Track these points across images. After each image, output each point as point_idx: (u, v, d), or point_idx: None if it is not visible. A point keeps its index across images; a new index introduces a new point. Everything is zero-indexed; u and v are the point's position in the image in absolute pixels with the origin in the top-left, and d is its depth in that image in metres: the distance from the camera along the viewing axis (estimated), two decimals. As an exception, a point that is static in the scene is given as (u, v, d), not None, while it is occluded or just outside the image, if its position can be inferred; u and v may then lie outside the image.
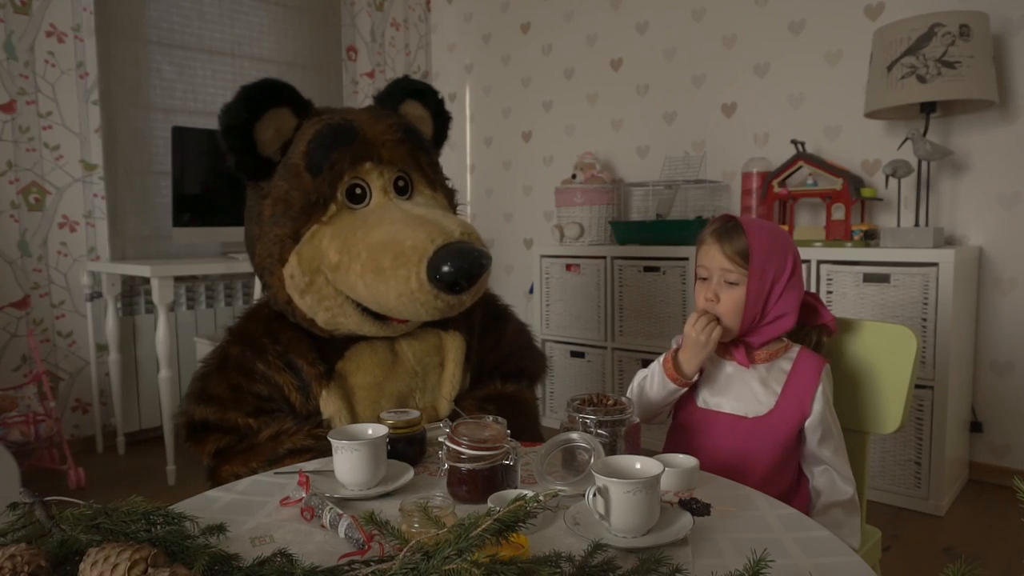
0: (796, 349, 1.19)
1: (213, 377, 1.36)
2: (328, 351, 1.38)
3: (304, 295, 1.34)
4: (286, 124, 1.36)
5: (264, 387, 1.34)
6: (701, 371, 1.22)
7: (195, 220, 2.85)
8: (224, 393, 1.34)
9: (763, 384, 1.17)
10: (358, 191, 1.37)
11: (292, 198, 1.33)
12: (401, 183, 1.43)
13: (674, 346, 1.29)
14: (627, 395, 1.24)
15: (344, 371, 1.37)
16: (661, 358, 1.22)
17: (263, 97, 1.32)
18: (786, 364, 1.18)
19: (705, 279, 1.19)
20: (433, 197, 1.47)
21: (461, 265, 1.25)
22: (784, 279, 1.15)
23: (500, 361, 1.54)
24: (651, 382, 1.22)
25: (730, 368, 1.20)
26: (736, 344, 1.19)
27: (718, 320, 1.15)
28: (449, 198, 1.53)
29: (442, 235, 1.27)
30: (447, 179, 1.54)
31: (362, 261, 1.28)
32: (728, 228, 1.16)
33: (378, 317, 1.35)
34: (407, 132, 1.44)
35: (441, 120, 1.60)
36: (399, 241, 1.27)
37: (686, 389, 1.20)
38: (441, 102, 1.59)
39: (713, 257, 1.16)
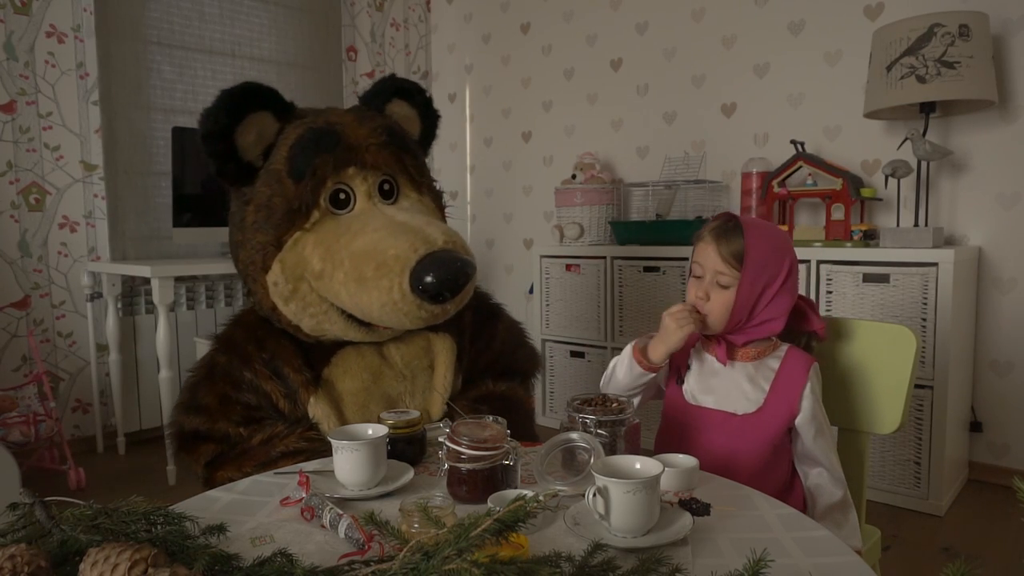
0: (784, 348, 1.20)
1: (201, 387, 1.35)
2: (315, 357, 1.37)
3: (288, 302, 1.32)
4: (268, 128, 1.34)
5: (252, 396, 1.33)
6: (690, 366, 1.23)
7: (195, 220, 2.85)
8: (213, 403, 1.33)
9: (751, 382, 1.17)
10: (342, 196, 1.35)
11: (274, 204, 1.31)
12: (387, 186, 1.41)
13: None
14: (602, 380, 1.25)
15: (331, 377, 1.36)
16: (633, 342, 1.23)
17: (244, 101, 1.29)
18: (774, 362, 1.18)
19: (699, 277, 1.19)
20: (419, 200, 1.45)
21: (445, 275, 1.24)
22: (776, 285, 1.15)
23: (492, 361, 1.53)
24: (621, 364, 1.23)
25: (718, 365, 1.20)
26: (718, 341, 1.19)
27: (703, 319, 1.16)
28: (436, 200, 1.51)
29: (425, 244, 1.25)
30: (434, 181, 1.53)
31: (345, 269, 1.27)
32: (727, 228, 1.16)
33: (363, 323, 1.34)
34: (391, 135, 1.41)
35: (429, 119, 1.57)
36: (381, 250, 1.25)
37: (652, 375, 1.21)
38: (429, 101, 1.56)
39: (708, 256, 1.17)
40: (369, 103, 1.50)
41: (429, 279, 1.23)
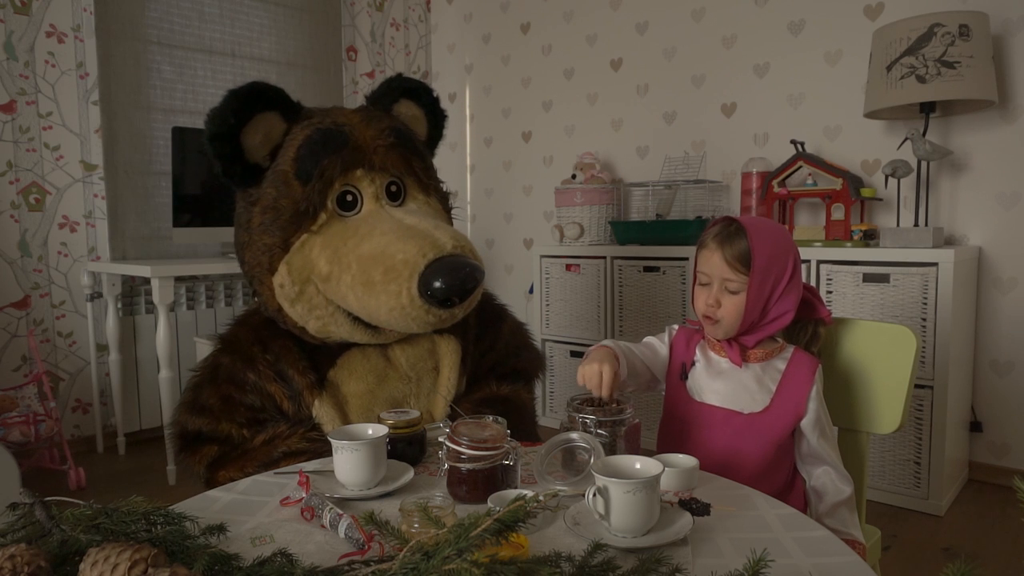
0: (790, 349, 1.20)
1: (205, 388, 1.35)
2: (320, 359, 1.36)
3: (295, 304, 1.32)
4: (275, 129, 1.32)
5: (256, 397, 1.33)
6: (695, 362, 1.23)
7: (195, 220, 2.85)
8: (216, 404, 1.32)
9: (758, 382, 1.17)
10: (349, 198, 1.34)
11: (281, 206, 1.30)
12: (394, 188, 1.39)
13: (667, 335, 1.28)
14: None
15: (336, 379, 1.35)
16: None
17: (250, 102, 1.28)
18: (780, 364, 1.18)
19: (706, 284, 1.18)
20: (427, 202, 1.44)
21: (453, 281, 1.22)
22: (784, 282, 1.15)
23: (497, 362, 1.52)
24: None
25: (726, 364, 1.20)
26: (731, 344, 1.19)
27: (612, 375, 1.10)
28: (443, 202, 1.50)
29: (433, 248, 1.24)
30: (441, 182, 1.51)
31: (352, 273, 1.26)
32: (730, 233, 1.16)
33: (370, 326, 1.34)
34: (399, 136, 1.39)
35: (436, 119, 1.56)
36: (390, 255, 1.24)
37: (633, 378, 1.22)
38: (436, 101, 1.54)
39: (714, 264, 1.16)
40: (376, 103, 1.49)
41: (438, 284, 1.21)
